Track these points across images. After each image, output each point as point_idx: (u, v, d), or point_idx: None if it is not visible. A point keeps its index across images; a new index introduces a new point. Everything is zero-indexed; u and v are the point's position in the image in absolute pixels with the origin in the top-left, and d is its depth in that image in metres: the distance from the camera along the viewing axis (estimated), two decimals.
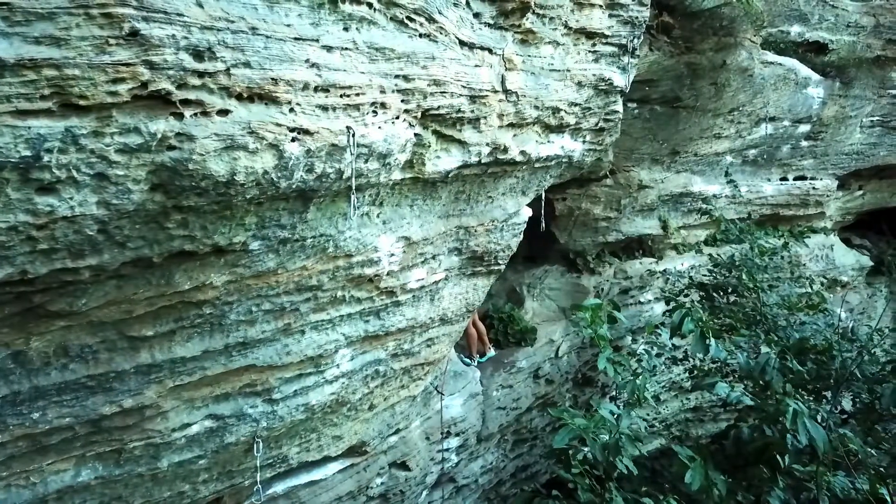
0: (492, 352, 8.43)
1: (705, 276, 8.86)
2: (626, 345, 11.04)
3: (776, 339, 7.21)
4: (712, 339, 3.94)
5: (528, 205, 9.09)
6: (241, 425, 4.30)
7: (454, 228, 5.36)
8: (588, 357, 10.08)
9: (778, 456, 4.94)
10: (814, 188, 12.44)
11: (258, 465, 4.51)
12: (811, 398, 6.40)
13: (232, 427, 4.24)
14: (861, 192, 14.17)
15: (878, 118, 12.57)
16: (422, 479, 6.78)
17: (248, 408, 4.28)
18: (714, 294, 8.66)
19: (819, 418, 4.34)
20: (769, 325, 7.62)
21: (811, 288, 9.26)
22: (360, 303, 4.65)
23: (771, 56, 9.99)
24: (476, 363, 8.08)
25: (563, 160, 6.53)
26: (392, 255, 4.62)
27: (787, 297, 8.80)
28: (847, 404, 7.11)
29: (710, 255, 8.67)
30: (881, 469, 4.58)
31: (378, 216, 4.42)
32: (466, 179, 5.11)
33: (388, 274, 4.69)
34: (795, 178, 12.43)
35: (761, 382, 4.20)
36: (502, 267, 6.37)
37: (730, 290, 8.36)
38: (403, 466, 6.48)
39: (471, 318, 8.11)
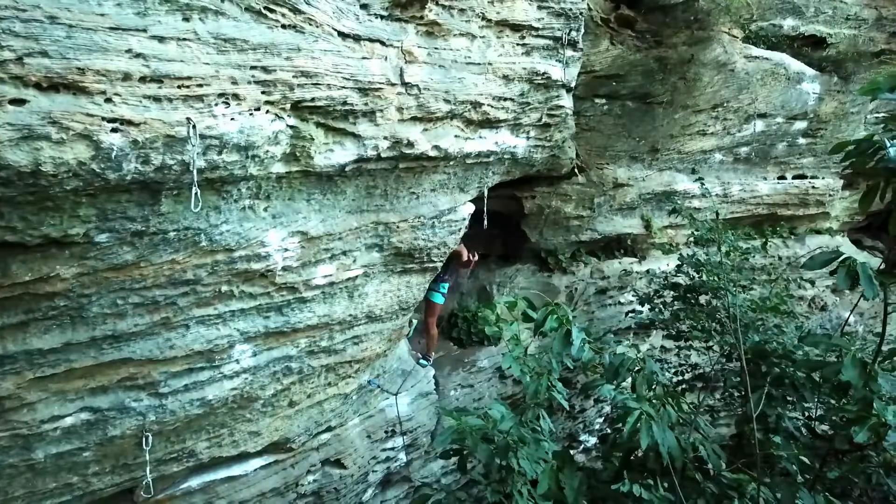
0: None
1: (675, 276, 8.58)
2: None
3: (733, 341, 6.96)
4: (577, 339, 3.79)
5: (500, 202, 9.00)
6: (125, 418, 4.29)
7: (371, 224, 5.28)
8: None
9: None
10: (813, 187, 12.00)
11: (147, 458, 4.48)
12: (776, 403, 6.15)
13: (114, 420, 4.24)
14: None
15: (884, 114, 12.05)
16: (361, 478, 6.70)
17: (131, 401, 4.27)
18: (687, 295, 8.40)
19: (700, 422, 4.16)
20: (733, 327, 7.34)
21: (787, 289, 8.92)
22: (254, 298, 4.61)
23: (756, 50, 9.68)
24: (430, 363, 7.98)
25: (505, 156, 6.42)
26: (286, 250, 4.57)
27: (765, 298, 8.50)
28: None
29: (679, 254, 8.39)
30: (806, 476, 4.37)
31: (266, 210, 4.37)
32: (376, 174, 5.03)
33: (283, 269, 4.64)
34: (794, 177, 12.02)
35: (615, 383, 4.04)
36: (438, 264, 6.28)
37: (699, 292, 8.09)
38: (338, 464, 6.42)
39: (431, 317, 8.04)
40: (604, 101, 8.51)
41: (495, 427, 4.37)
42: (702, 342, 7.74)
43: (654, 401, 3.82)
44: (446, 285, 7.99)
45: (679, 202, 10.27)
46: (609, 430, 4.31)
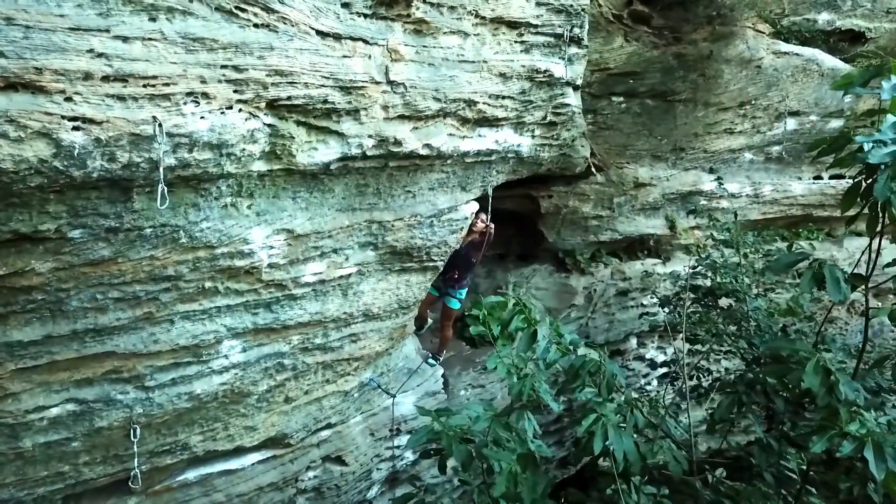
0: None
1: (694, 278, 8.37)
2: (630, 348, 10.64)
3: (746, 347, 6.79)
4: (542, 340, 3.72)
5: (516, 201, 8.91)
6: (112, 410, 4.39)
7: (363, 223, 5.29)
8: None
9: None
10: None
11: (136, 450, 4.58)
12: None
13: (101, 412, 4.34)
14: None
15: None
16: (363, 476, 6.73)
17: (118, 394, 4.37)
18: (706, 298, 8.19)
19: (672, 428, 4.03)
20: (749, 332, 7.15)
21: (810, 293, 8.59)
22: (240, 295, 4.67)
23: (785, 46, 9.39)
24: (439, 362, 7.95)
25: (509, 155, 6.36)
26: (271, 247, 4.61)
27: (789, 301, 8.25)
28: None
29: (697, 256, 8.20)
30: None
31: (249, 207, 4.41)
32: (365, 172, 5.03)
33: (269, 266, 4.68)
34: (832, 177, 11.59)
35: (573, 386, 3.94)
36: (438, 263, 6.26)
37: (717, 294, 7.88)
38: (339, 461, 6.46)
39: (447, 320, 7.96)
40: (621, 99, 8.37)
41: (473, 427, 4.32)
42: (716, 345, 7.53)
43: (622, 404, 3.74)
44: (464, 291, 7.87)
45: (705, 202, 10.05)
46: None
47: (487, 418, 4.06)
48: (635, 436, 3.77)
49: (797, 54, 9.49)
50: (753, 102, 9.56)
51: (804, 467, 4.29)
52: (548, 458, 9.18)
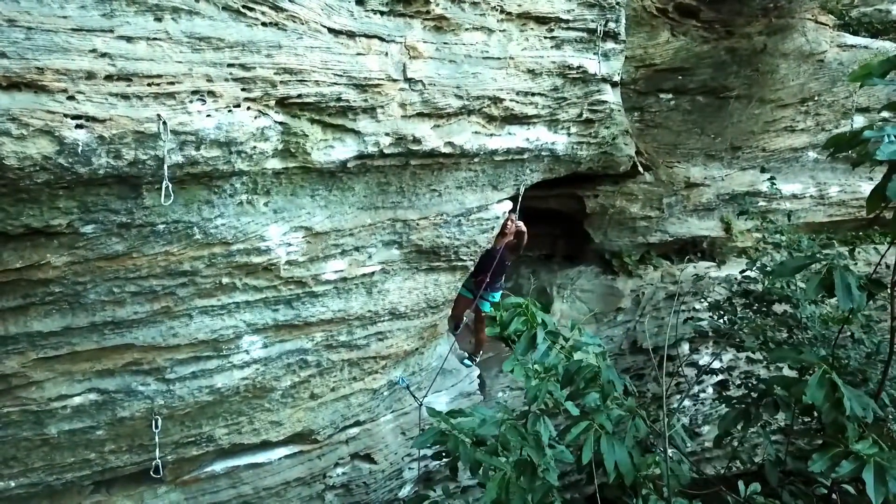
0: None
1: (746, 282, 8.01)
2: (682, 354, 10.28)
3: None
4: (542, 343, 3.59)
5: (560, 200, 8.74)
6: (134, 401, 4.51)
7: (387, 221, 5.27)
8: (628, 363, 9.51)
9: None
10: None
11: (157, 441, 4.69)
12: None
13: (122, 402, 4.47)
14: None
15: None
16: (394, 474, 6.73)
17: (138, 385, 4.49)
18: (757, 303, 7.83)
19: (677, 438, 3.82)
20: (801, 340, 6.81)
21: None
22: (260, 291, 4.72)
23: (851, 38, 8.89)
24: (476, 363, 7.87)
25: (543, 153, 6.23)
26: (289, 244, 4.65)
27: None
28: None
29: (747, 261, 7.83)
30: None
31: (266, 205, 4.45)
32: (386, 171, 5.01)
33: (288, 263, 4.72)
34: None
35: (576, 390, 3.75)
36: (468, 263, 6.18)
37: (767, 300, 7.52)
38: (368, 459, 6.47)
39: (480, 322, 7.87)
40: (669, 96, 8.09)
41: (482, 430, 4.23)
42: (765, 353, 7.18)
43: (623, 412, 3.59)
44: (498, 294, 7.74)
45: (764, 203, 9.62)
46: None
47: (495, 422, 3.97)
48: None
49: (865, 47, 8.97)
50: (817, 99, 9.10)
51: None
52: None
